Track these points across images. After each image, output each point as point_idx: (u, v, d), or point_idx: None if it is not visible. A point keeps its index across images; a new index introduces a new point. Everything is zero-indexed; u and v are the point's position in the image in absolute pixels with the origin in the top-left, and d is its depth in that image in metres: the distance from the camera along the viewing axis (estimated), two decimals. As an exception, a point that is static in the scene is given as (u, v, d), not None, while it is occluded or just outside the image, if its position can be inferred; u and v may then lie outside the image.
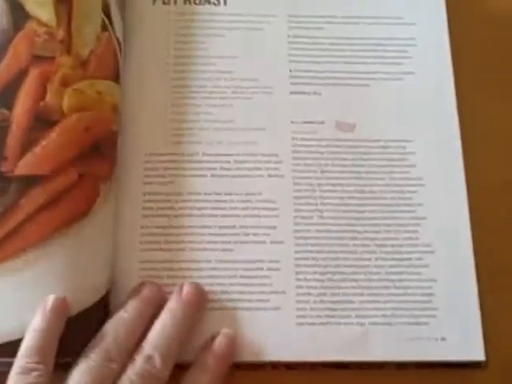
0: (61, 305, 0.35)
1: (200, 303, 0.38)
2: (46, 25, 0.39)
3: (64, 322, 0.35)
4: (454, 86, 0.44)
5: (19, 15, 0.39)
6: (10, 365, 0.33)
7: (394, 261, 0.40)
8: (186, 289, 0.38)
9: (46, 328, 0.34)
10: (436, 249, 0.40)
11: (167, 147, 0.42)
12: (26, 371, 0.33)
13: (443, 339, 0.39)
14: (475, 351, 0.39)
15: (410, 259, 0.40)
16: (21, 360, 0.33)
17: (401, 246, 0.40)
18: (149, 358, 0.34)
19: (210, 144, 0.42)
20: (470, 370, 0.39)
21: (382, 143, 0.42)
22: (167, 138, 0.42)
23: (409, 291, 0.40)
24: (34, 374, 0.32)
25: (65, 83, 0.39)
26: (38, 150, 0.37)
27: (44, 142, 0.37)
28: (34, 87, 0.38)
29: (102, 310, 0.37)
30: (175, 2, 0.45)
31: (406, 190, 0.42)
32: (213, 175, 0.41)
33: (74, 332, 0.36)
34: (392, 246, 0.40)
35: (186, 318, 0.37)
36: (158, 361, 0.34)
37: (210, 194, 0.41)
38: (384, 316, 0.39)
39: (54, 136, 0.37)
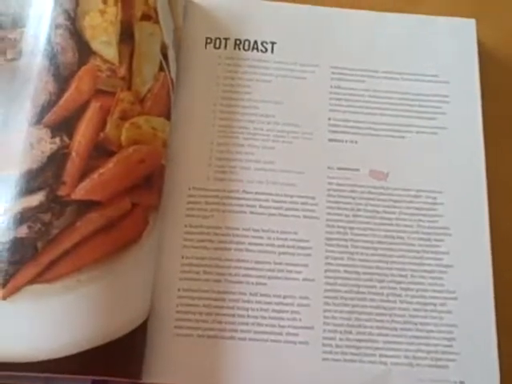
0: None
1: None
2: (109, 62, 0.44)
3: None
4: (484, 142, 0.48)
5: (84, 51, 0.44)
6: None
7: (419, 305, 0.44)
8: None
9: None
10: (459, 296, 0.44)
11: (210, 183, 0.46)
12: None
13: (462, 383, 0.42)
14: (492, 396, 0.42)
15: (433, 304, 0.44)
16: None
17: (426, 291, 0.44)
18: None
19: (250, 182, 0.46)
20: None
21: (413, 192, 0.46)
22: (211, 174, 0.46)
23: (431, 335, 0.43)
24: None
25: (124, 117, 0.43)
26: (95, 177, 0.41)
27: (101, 170, 0.41)
28: (95, 118, 0.43)
29: (141, 336, 0.41)
30: (225, 47, 0.50)
31: (434, 238, 0.45)
32: (252, 212, 0.45)
33: (115, 354, 0.39)
34: (417, 290, 0.44)
35: None
36: None
37: (248, 229, 0.45)
38: (406, 357, 0.42)
39: (111, 165, 0.42)
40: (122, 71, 0.44)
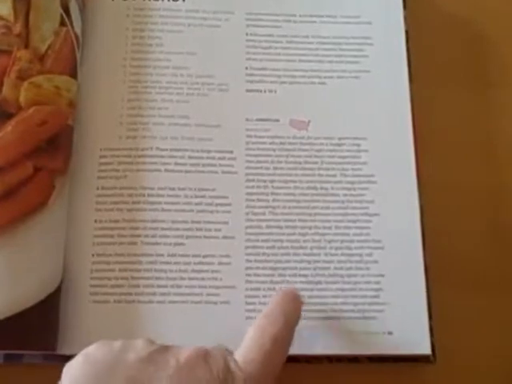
0: None
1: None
2: (3, 19, 0.45)
3: None
4: (409, 85, 0.50)
5: (-24, 9, 0.45)
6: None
7: (344, 256, 0.46)
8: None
9: None
10: (386, 245, 0.46)
11: (122, 142, 0.47)
12: None
13: (390, 333, 0.44)
14: (422, 345, 0.44)
15: (360, 255, 0.46)
16: None
17: (351, 241, 0.46)
18: None
19: (164, 139, 0.47)
20: (421, 363, 0.45)
21: (335, 141, 0.48)
22: (122, 133, 0.47)
23: (358, 286, 0.45)
24: None
25: (22, 77, 0.44)
26: (-7, 142, 0.42)
27: (0, 134, 0.43)
28: (-10, 80, 0.44)
29: (54, 304, 0.42)
30: (134, -2, 0.51)
31: (358, 187, 0.47)
32: (166, 170, 0.47)
33: (27, 325, 0.41)
34: (342, 241, 0.46)
35: None
36: None
37: (164, 188, 0.46)
38: (333, 310, 0.45)
39: (9, 129, 0.43)
40: (18, 28, 0.45)
